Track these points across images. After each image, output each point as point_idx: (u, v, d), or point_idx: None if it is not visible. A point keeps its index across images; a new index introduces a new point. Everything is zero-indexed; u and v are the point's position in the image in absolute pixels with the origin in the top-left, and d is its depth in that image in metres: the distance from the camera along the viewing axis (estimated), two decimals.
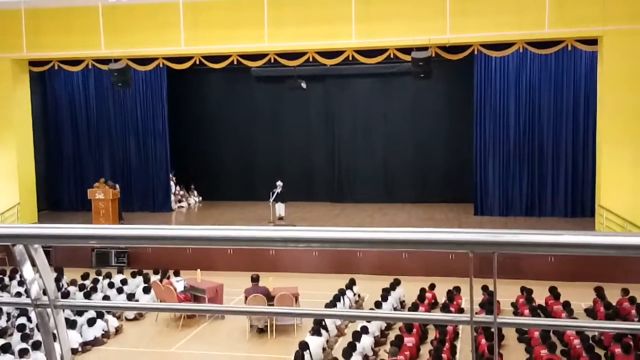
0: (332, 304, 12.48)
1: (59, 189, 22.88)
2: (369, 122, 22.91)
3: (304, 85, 21.38)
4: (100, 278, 14.96)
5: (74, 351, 11.40)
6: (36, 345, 10.67)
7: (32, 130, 20.47)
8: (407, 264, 15.60)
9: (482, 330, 10.96)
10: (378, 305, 12.72)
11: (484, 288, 13.16)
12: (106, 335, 12.50)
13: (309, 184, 23.46)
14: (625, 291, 13.11)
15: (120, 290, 14.24)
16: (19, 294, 13.77)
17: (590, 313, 12.69)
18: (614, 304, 12.68)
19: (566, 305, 12.45)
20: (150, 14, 18.05)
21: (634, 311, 12.30)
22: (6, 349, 10.73)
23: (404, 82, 21.50)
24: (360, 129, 23.06)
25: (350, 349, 10.37)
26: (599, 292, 13.10)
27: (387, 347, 11.14)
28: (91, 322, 12.22)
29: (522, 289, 13.49)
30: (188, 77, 22.54)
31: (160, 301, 13.57)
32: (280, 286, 13.25)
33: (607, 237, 1.67)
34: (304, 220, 19.55)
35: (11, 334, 11.94)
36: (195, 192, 24.26)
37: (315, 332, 11.17)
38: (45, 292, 2.17)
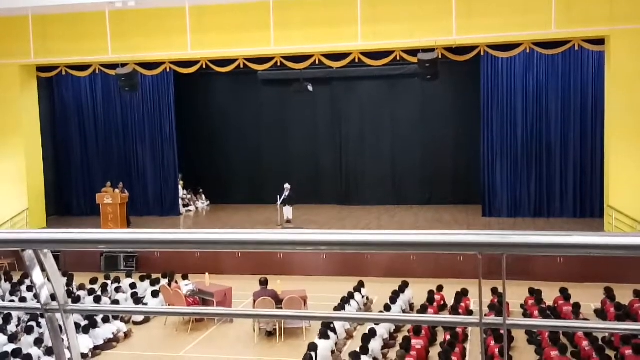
0: (340, 306, 12.47)
1: (67, 193, 22.97)
2: (376, 125, 22.90)
3: (310, 88, 21.39)
4: (109, 282, 15.02)
5: (84, 356, 11.43)
6: (47, 351, 10.71)
7: (40, 136, 20.57)
8: (416, 266, 15.57)
9: (491, 332, 10.91)
10: (387, 307, 12.69)
11: (493, 290, 13.12)
12: (115, 339, 12.54)
13: (317, 186, 23.45)
14: (637, 292, 13.00)
15: (133, 295, 14.29)
16: (25, 299, 13.83)
17: (600, 314, 12.62)
18: (625, 305, 12.59)
19: (574, 307, 12.38)
20: (157, 18, 18.12)
21: None
22: (17, 354, 10.77)
23: (411, 84, 21.49)
24: (367, 131, 23.05)
25: (359, 351, 10.35)
26: (609, 292, 13.02)
27: (397, 349, 11.11)
28: (95, 325, 12.25)
29: (531, 290, 13.43)
30: (195, 81, 22.62)
31: (169, 305, 13.60)
32: (288, 289, 13.25)
33: (616, 237, 1.67)
34: (311, 222, 19.55)
35: (21, 339, 11.99)
36: (203, 196, 24.31)
37: (324, 335, 11.15)
38: (54, 297, 2.18)
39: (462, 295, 13.28)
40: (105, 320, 12.54)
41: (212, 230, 1.89)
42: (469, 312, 12.99)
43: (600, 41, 16.74)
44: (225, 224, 20.26)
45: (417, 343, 10.91)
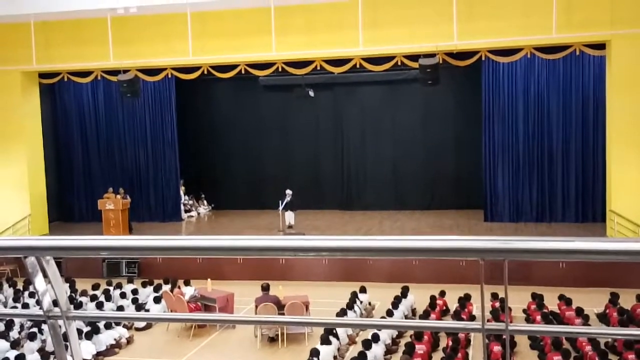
0: (342, 312, 12.45)
1: (69, 200, 22.98)
2: (378, 130, 22.90)
3: (311, 93, 21.41)
4: (111, 288, 15.00)
5: None
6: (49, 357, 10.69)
7: (43, 142, 20.61)
8: (418, 271, 15.54)
9: (494, 337, 10.89)
10: (389, 313, 12.67)
11: (495, 295, 13.09)
12: (118, 345, 12.53)
13: (318, 192, 23.44)
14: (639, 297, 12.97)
15: (134, 300, 14.28)
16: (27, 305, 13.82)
17: (603, 319, 12.58)
18: (627, 309, 12.55)
19: (581, 312, 12.34)
20: (158, 24, 18.16)
21: None
22: None
23: (412, 89, 21.48)
24: (369, 136, 23.05)
25: (361, 357, 10.33)
26: (613, 297, 12.98)
27: (399, 355, 11.08)
28: (98, 331, 12.24)
29: (533, 295, 13.40)
30: (196, 86, 22.65)
31: (171, 311, 13.58)
32: (290, 295, 13.23)
33: (618, 243, 1.66)
34: (313, 228, 19.54)
35: (23, 346, 11.99)
36: (205, 202, 24.30)
37: (326, 340, 11.13)
38: (57, 304, 2.18)
39: (464, 300, 13.26)
40: (108, 326, 12.53)
41: (214, 237, 1.89)
42: (472, 318, 12.96)
43: (601, 46, 16.75)
44: (227, 229, 20.24)
45: (419, 348, 10.89)
